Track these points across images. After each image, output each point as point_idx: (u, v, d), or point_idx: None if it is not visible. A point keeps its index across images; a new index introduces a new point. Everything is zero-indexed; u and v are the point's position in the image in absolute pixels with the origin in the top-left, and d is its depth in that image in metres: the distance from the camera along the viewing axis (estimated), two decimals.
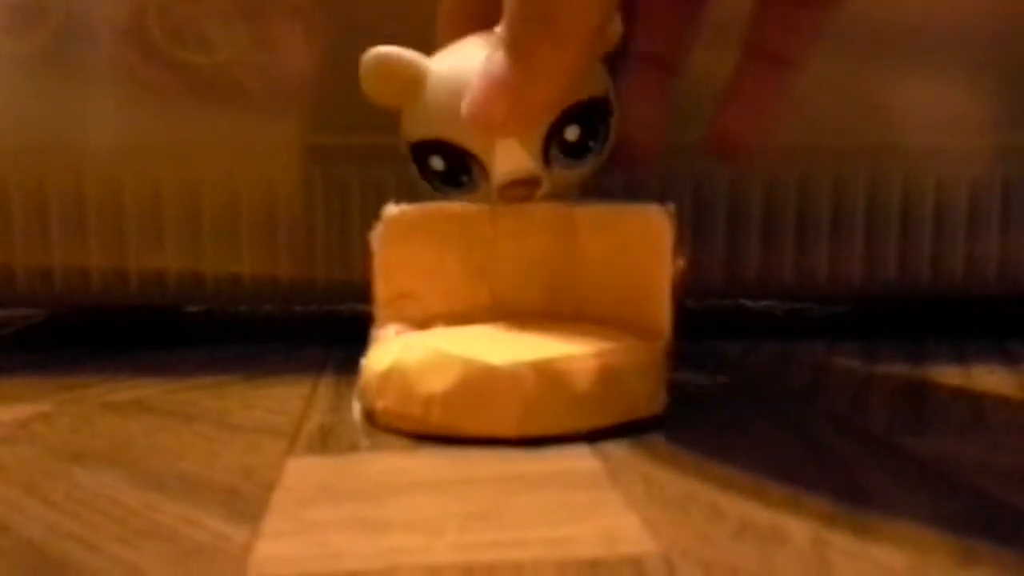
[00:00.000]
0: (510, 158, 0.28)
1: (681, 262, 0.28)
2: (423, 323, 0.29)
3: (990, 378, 0.33)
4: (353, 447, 0.26)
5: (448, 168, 0.29)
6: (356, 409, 0.28)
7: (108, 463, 0.24)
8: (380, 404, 0.27)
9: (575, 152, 0.29)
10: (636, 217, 0.29)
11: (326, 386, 0.32)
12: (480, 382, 0.25)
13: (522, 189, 0.29)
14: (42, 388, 0.32)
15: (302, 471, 0.23)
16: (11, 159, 0.38)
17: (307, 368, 0.35)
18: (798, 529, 0.19)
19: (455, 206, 0.30)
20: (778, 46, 0.30)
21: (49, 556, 0.18)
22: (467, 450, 0.25)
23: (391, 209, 0.29)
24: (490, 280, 0.30)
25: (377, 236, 0.29)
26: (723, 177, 0.40)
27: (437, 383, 0.26)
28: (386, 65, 0.28)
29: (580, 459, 0.24)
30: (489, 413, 0.25)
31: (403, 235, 0.29)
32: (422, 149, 0.29)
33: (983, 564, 0.18)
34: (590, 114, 0.29)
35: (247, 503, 0.21)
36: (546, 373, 0.25)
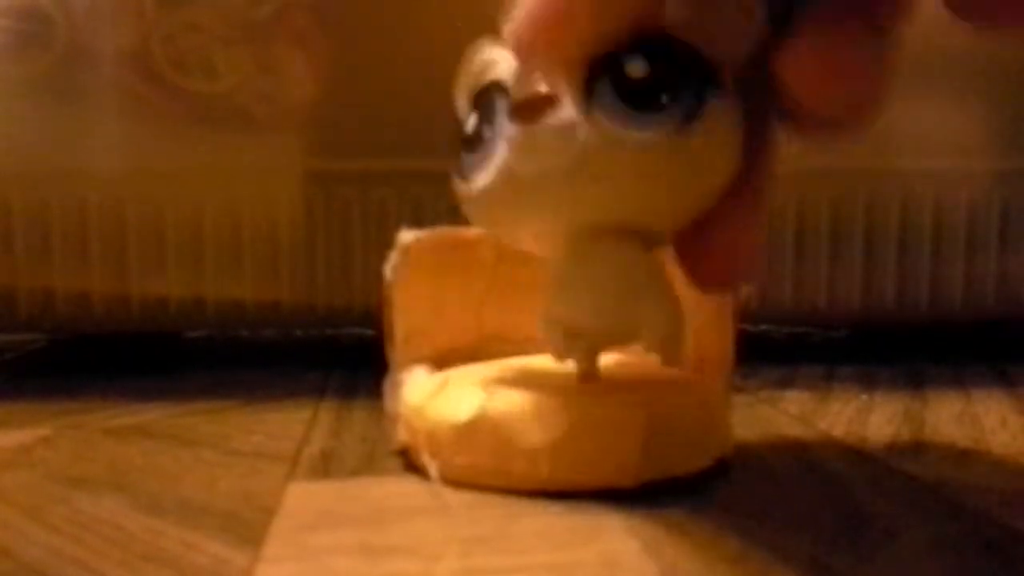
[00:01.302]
0: (534, 81, 0.22)
1: (745, 290, 0.27)
2: (439, 361, 0.27)
3: (989, 401, 0.33)
4: (354, 472, 0.26)
5: (478, 124, 0.23)
6: (432, 470, 0.24)
7: (109, 488, 0.24)
8: (463, 460, 0.24)
9: (639, 99, 0.21)
10: None
11: (327, 411, 0.32)
12: (594, 430, 0.23)
13: (532, 106, 0.22)
14: (43, 413, 0.32)
15: (303, 496, 0.23)
16: (14, 183, 0.38)
17: (308, 393, 0.35)
18: (798, 551, 0.19)
19: (470, 232, 0.27)
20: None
21: None
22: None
23: (406, 235, 0.27)
24: (498, 310, 0.28)
25: (392, 266, 0.27)
26: None
27: (544, 432, 0.23)
28: None
29: None
30: (606, 462, 0.23)
31: (418, 263, 0.27)
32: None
33: None
34: (669, 54, 0.21)
35: (248, 528, 0.21)
36: (656, 416, 0.23)
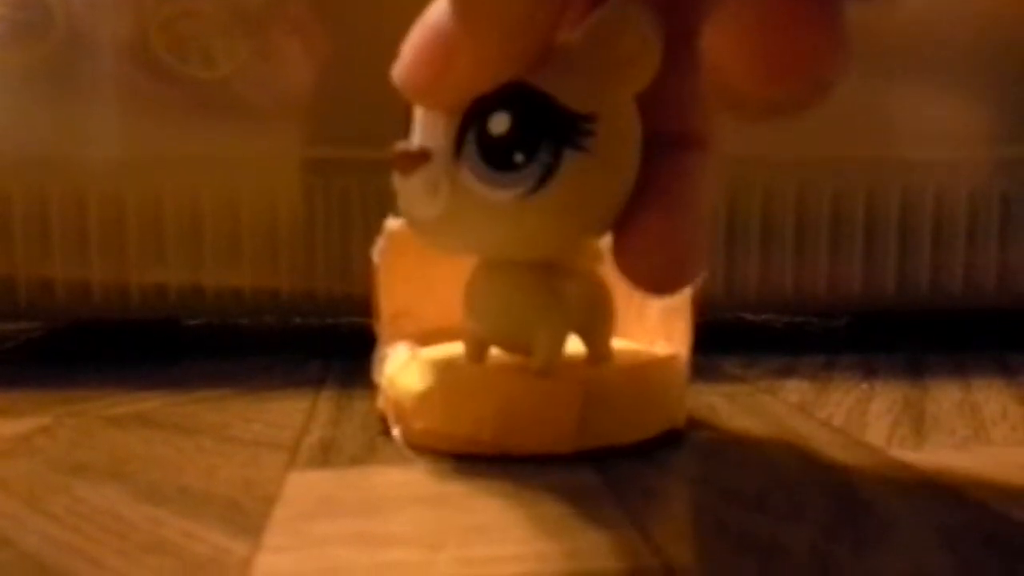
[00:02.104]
0: (428, 126, 0.23)
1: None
2: (424, 338, 0.29)
3: (989, 391, 0.33)
4: (354, 461, 0.26)
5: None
6: (395, 432, 0.27)
7: (109, 477, 0.24)
8: (420, 425, 0.26)
9: (497, 159, 0.22)
10: None
11: (327, 399, 0.32)
12: (534, 400, 0.25)
13: (406, 160, 0.23)
14: (43, 402, 0.32)
15: (303, 485, 0.23)
16: (13, 172, 0.38)
17: (308, 381, 0.35)
18: (798, 541, 0.19)
19: None
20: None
21: (50, 570, 0.18)
22: (467, 463, 0.25)
23: (392, 223, 0.29)
24: None
25: (379, 251, 0.29)
26: (722, 191, 0.40)
27: (488, 400, 0.25)
28: None
29: (581, 473, 0.24)
30: (545, 429, 0.25)
31: (406, 249, 0.29)
32: None
33: None
34: (531, 110, 0.21)
35: (248, 517, 0.21)
36: (598, 387, 0.25)
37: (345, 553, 0.19)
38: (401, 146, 0.23)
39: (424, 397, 0.26)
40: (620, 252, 0.22)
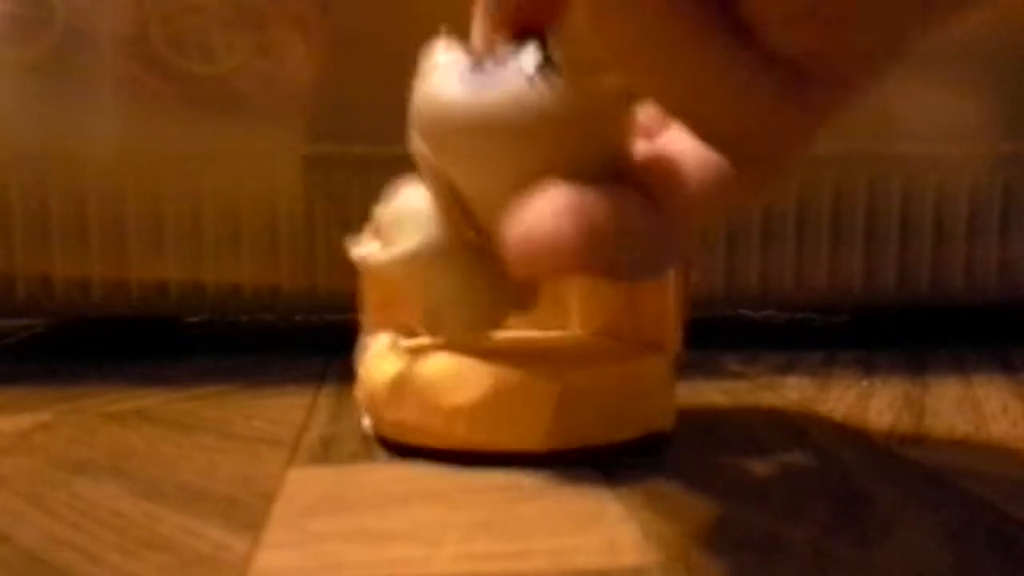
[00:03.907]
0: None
1: (692, 273, 0.28)
2: (409, 330, 0.28)
3: (990, 387, 0.33)
4: (354, 457, 0.25)
5: None
6: (365, 421, 0.27)
7: (109, 473, 0.24)
8: (392, 416, 0.26)
9: None
10: None
11: (327, 396, 0.32)
12: (511, 395, 0.25)
13: None
14: (43, 398, 0.32)
15: (303, 481, 0.23)
16: (13, 168, 0.38)
17: (308, 378, 0.35)
18: (799, 538, 0.19)
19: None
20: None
21: (50, 566, 0.18)
22: (468, 460, 0.25)
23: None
24: None
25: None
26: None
27: (464, 395, 0.25)
28: None
29: (581, 469, 0.24)
30: (519, 427, 0.25)
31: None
32: None
33: (983, 573, 0.18)
34: None
35: (248, 513, 0.21)
36: (574, 386, 0.25)
37: (345, 549, 0.19)
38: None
39: (396, 388, 0.25)
40: None
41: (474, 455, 0.24)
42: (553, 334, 0.30)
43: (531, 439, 0.25)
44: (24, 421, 0.29)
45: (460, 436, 0.25)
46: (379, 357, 0.27)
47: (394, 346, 0.27)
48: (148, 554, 0.19)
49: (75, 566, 0.18)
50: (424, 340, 0.28)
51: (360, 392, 0.27)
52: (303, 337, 0.47)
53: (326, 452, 0.26)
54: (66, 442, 0.27)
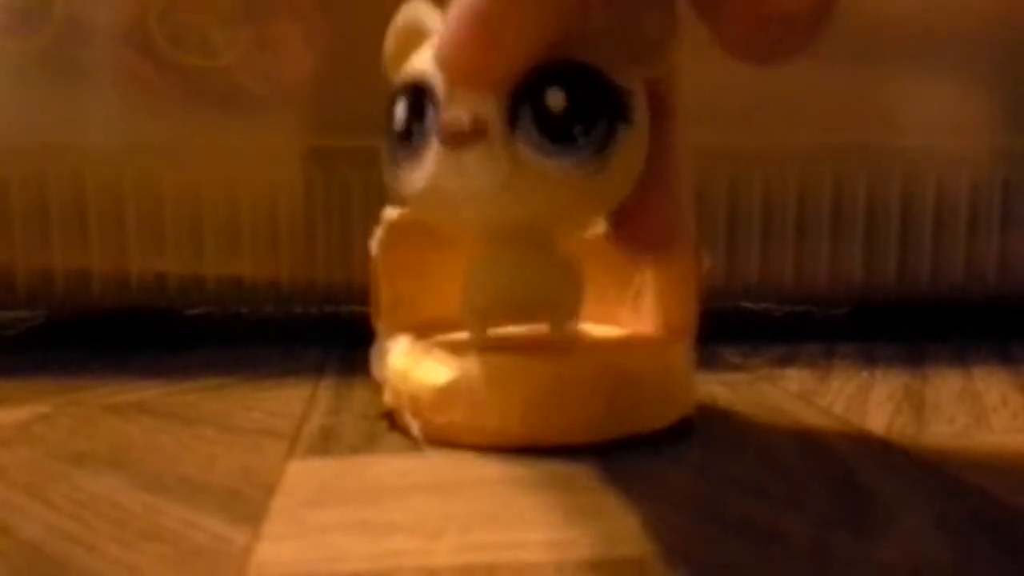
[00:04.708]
0: (464, 99, 0.23)
1: (707, 261, 0.28)
2: (421, 329, 0.29)
3: (990, 379, 0.33)
4: (354, 449, 0.26)
5: (408, 119, 0.24)
6: (414, 428, 0.26)
7: (108, 465, 0.24)
8: (442, 419, 0.25)
9: (557, 133, 0.23)
10: None
11: (327, 388, 0.32)
12: (562, 390, 0.25)
13: (460, 136, 0.23)
14: (42, 390, 0.32)
15: (303, 473, 0.23)
16: (12, 161, 0.38)
17: (308, 370, 0.35)
18: (798, 530, 0.19)
19: None
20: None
21: (49, 558, 0.18)
22: (467, 452, 0.25)
23: (390, 212, 0.29)
24: None
25: (377, 241, 0.28)
26: (722, 180, 0.40)
27: (515, 394, 0.25)
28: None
29: (581, 460, 0.24)
30: (573, 420, 0.25)
31: (403, 238, 0.29)
32: (391, 104, 0.25)
33: (984, 566, 0.18)
34: (586, 86, 0.23)
35: (247, 505, 0.21)
36: (622, 376, 0.25)
37: (345, 541, 0.19)
38: (452, 121, 0.23)
39: (446, 390, 0.25)
40: (622, 221, 0.24)
41: (528, 450, 0.24)
42: (591, 328, 0.30)
43: (587, 431, 0.25)
44: (24, 413, 0.29)
45: (515, 433, 0.25)
46: (414, 360, 0.27)
47: (427, 348, 0.27)
48: (148, 546, 0.19)
49: (75, 558, 0.18)
50: (445, 338, 0.28)
51: (395, 398, 0.27)
52: (303, 329, 0.47)
53: (326, 444, 0.26)
54: (66, 434, 0.27)
